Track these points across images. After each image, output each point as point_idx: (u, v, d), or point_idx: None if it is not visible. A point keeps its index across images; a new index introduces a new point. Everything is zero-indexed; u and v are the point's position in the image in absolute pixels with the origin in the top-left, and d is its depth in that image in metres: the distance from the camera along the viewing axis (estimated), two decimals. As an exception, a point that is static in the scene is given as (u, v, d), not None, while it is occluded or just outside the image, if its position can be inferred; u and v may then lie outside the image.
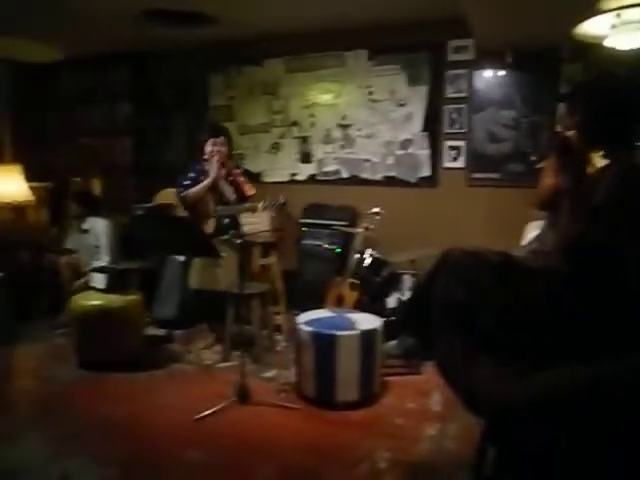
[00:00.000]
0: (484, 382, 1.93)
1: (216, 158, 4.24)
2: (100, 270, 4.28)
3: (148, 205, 4.20)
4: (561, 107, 4.42)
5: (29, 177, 6.06)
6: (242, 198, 4.28)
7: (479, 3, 3.47)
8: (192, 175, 4.33)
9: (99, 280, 4.18)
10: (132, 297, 4.18)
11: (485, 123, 4.76)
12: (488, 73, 4.72)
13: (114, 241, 5.14)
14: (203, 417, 3.20)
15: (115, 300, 4.06)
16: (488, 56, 4.63)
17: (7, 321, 4.70)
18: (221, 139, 4.32)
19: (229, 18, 4.93)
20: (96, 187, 6.65)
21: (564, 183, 2.13)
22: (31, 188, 5.98)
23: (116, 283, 4.17)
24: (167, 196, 4.65)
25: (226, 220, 4.29)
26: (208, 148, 4.30)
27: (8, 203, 5.75)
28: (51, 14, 4.81)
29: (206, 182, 4.25)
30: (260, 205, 3.85)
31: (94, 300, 4.06)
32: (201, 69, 5.99)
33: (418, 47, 4.98)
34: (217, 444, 2.98)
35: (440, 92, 4.94)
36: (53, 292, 5.17)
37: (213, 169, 4.23)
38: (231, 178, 4.32)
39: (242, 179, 4.38)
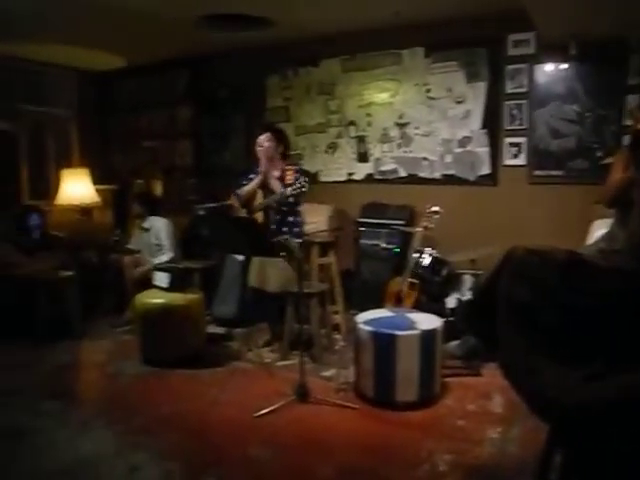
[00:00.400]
0: (551, 384, 1.87)
1: (261, 153, 4.27)
2: (162, 269, 4.40)
3: (209, 205, 4.28)
4: (630, 99, 4.24)
5: (94, 180, 6.32)
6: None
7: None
8: (251, 176, 4.39)
9: (161, 279, 4.30)
10: (193, 296, 4.28)
11: (547, 118, 4.62)
12: (550, 66, 4.58)
13: (174, 238, 5.29)
14: (263, 414, 3.25)
15: (177, 298, 4.16)
16: (550, 49, 4.49)
17: (75, 317, 4.90)
18: (265, 135, 4.31)
19: (285, 20, 4.98)
20: (157, 188, 6.86)
21: (637, 178, 2.04)
22: (97, 190, 6.23)
23: (178, 282, 4.27)
24: None
25: (277, 217, 4.31)
26: (256, 146, 4.34)
27: (76, 205, 6.00)
28: (112, 23, 4.98)
29: (256, 180, 4.30)
30: (289, 191, 3.91)
31: (157, 298, 4.17)
32: (258, 71, 6.07)
33: (476, 43, 4.87)
34: (277, 442, 3.01)
35: (500, 88, 4.82)
36: (117, 290, 5.36)
37: (261, 165, 4.28)
38: (281, 175, 4.33)
39: (289, 172, 4.30)
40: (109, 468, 2.76)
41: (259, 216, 4.32)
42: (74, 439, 3.06)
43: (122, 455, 2.87)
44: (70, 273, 5.01)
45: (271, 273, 4.17)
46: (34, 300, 4.66)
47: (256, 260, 4.26)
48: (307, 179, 3.98)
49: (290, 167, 4.33)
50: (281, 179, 4.24)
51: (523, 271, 2.03)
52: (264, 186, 4.30)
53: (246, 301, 4.45)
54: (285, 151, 4.42)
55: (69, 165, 6.81)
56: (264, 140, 4.29)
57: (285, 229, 4.25)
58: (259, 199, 4.33)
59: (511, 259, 2.09)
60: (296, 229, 4.26)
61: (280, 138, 4.38)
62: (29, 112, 6.72)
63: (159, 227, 5.27)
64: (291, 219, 4.30)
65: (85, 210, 6.18)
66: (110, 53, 6.22)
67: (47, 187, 6.98)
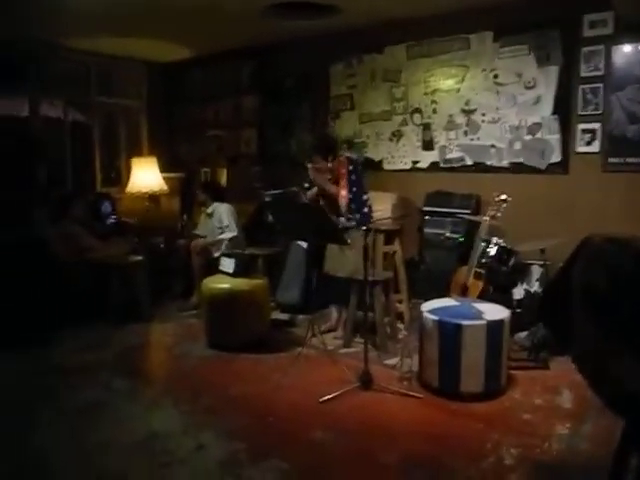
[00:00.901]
0: (630, 377, 1.79)
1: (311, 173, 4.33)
2: (228, 255, 4.49)
3: (276, 192, 4.33)
4: None
5: (162, 168, 6.51)
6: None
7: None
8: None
9: (227, 265, 4.38)
10: (258, 281, 4.35)
11: (625, 102, 4.39)
12: (629, 47, 4.34)
13: (236, 220, 5.39)
14: (327, 400, 3.27)
15: (242, 284, 4.24)
16: (630, 28, 4.25)
17: (145, 301, 5.07)
18: (315, 159, 4.34)
19: (351, 7, 4.94)
20: (222, 177, 7.00)
21: None
22: (164, 178, 6.42)
23: (243, 268, 4.35)
24: None
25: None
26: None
27: (145, 193, 6.21)
28: (179, 14, 5.08)
29: (314, 190, 4.38)
30: (342, 221, 4.03)
31: (223, 284, 4.26)
32: (322, 59, 6.05)
33: (548, 24, 4.67)
34: (341, 427, 3.03)
35: (573, 71, 4.61)
36: (184, 275, 5.52)
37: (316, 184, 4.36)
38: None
39: (342, 170, 4.33)
40: (177, 445, 2.86)
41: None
42: (144, 416, 3.19)
43: (189, 433, 2.97)
44: (140, 258, 5.19)
45: (345, 259, 4.17)
46: (107, 284, 4.85)
47: (332, 247, 4.30)
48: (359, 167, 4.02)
49: (342, 167, 4.35)
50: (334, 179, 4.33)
51: (600, 259, 1.95)
52: (323, 195, 4.39)
53: (312, 287, 4.50)
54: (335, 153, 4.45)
55: (139, 154, 7.04)
56: (316, 162, 4.33)
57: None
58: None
59: (587, 247, 2.01)
60: (364, 219, 4.27)
61: (327, 153, 4.37)
62: (102, 104, 6.99)
63: (221, 211, 5.40)
64: (357, 216, 4.33)
65: (153, 197, 6.38)
66: (177, 44, 6.37)
67: (118, 175, 7.26)
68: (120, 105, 7.26)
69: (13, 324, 4.20)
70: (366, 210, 4.30)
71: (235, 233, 5.29)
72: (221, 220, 5.37)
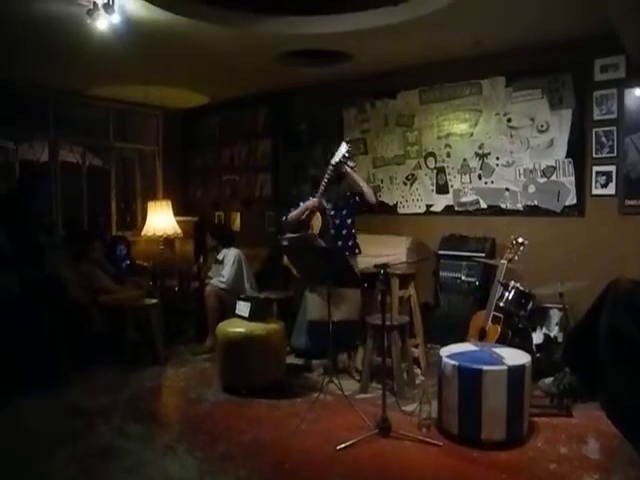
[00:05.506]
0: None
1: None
2: (243, 299, 4.46)
3: (292, 236, 4.33)
4: None
5: (177, 212, 6.56)
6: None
7: (635, 14, 3.24)
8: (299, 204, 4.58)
9: (242, 308, 4.35)
10: (274, 326, 4.30)
11: (639, 145, 4.41)
12: (642, 91, 4.39)
13: (236, 267, 5.35)
14: (345, 447, 3.18)
15: (258, 328, 4.18)
16: (642, 73, 4.31)
17: (159, 344, 5.03)
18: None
19: (364, 54, 5.04)
20: (236, 220, 7.04)
21: None
22: (178, 222, 6.46)
23: (258, 312, 4.31)
24: None
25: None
26: None
27: (160, 236, 6.23)
28: (196, 63, 5.21)
29: (302, 206, 4.46)
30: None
31: (238, 327, 4.22)
32: (336, 104, 6.16)
33: (560, 69, 4.75)
34: (359, 475, 2.94)
35: (586, 115, 4.66)
36: (198, 319, 5.49)
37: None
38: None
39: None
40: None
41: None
42: (160, 461, 3.11)
43: (205, 479, 2.89)
44: (154, 301, 5.17)
45: (338, 302, 4.13)
46: (123, 326, 4.83)
47: (314, 294, 4.32)
48: None
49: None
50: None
51: (629, 303, 1.91)
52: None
53: (308, 334, 4.45)
54: None
55: (154, 198, 7.12)
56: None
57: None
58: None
59: (614, 291, 1.98)
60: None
61: None
62: (119, 149, 7.12)
63: (229, 257, 5.38)
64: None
65: (168, 241, 6.41)
66: (193, 92, 6.51)
67: (133, 219, 7.34)
68: (136, 150, 7.39)
69: (29, 364, 4.16)
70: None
71: (224, 279, 5.27)
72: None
